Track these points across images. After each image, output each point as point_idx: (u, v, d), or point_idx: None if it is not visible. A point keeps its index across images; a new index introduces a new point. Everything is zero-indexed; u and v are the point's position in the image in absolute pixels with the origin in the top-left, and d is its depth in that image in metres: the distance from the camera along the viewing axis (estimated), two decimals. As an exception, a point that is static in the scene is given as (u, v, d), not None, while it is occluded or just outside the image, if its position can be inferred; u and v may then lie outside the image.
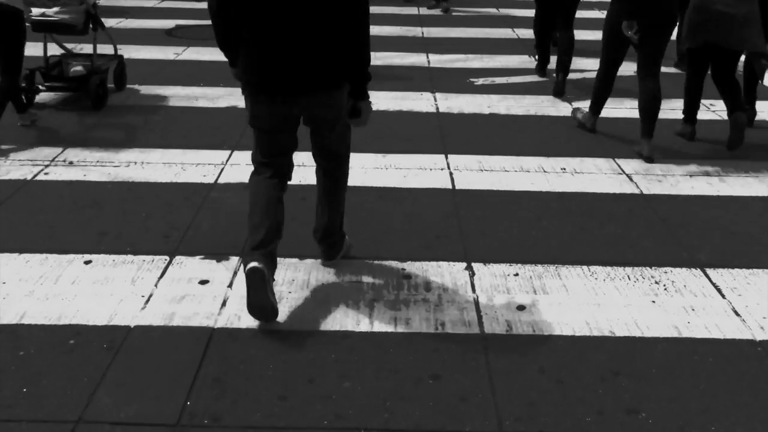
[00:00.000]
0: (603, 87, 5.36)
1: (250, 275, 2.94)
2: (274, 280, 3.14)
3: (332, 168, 3.39)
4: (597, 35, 7.61)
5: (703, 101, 6.15)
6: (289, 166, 3.29)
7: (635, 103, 6.17)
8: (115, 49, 6.23)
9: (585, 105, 6.14)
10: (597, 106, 5.45)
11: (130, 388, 2.67)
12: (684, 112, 5.48)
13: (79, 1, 5.51)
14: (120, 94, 6.18)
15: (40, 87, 5.75)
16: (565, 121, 5.81)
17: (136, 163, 4.71)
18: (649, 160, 5.00)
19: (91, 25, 5.68)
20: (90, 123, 5.47)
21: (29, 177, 4.45)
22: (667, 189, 4.55)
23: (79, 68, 5.93)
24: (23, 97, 5.37)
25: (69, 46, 6.73)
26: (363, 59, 3.05)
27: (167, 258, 3.58)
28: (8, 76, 5.01)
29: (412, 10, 10.37)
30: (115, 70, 6.18)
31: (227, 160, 4.81)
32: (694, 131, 5.45)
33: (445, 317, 3.16)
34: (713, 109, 6.15)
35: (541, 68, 7.09)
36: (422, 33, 8.94)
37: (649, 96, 4.99)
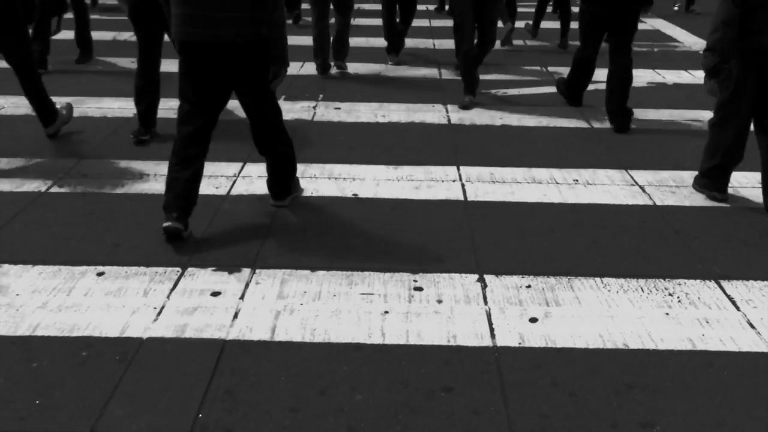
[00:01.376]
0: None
1: (321, 66, 7.20)
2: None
3: (346, 11, 7.00)
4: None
5: None
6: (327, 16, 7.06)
7: (648, 115, 6.20)
8: None
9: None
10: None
11: (142, 400, 2.67)
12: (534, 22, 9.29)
13: None
14: None
15: None
16: (578, 132, 5.80)
17: (149, 174, 4.74)
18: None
19: None
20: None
21: (43, 189, 4.48)
22: (680, 200, 4.52)
23: None
24: None
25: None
26: None
27: (179, 270, 3.59)
28: None
29: (423, 22, 10.41)
30: None
31: (239, 173, 4.82)
32: (537, 32, 9.43)
33: (457, 329, 3.15)
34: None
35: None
36: (434, 45, 8.97)
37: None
